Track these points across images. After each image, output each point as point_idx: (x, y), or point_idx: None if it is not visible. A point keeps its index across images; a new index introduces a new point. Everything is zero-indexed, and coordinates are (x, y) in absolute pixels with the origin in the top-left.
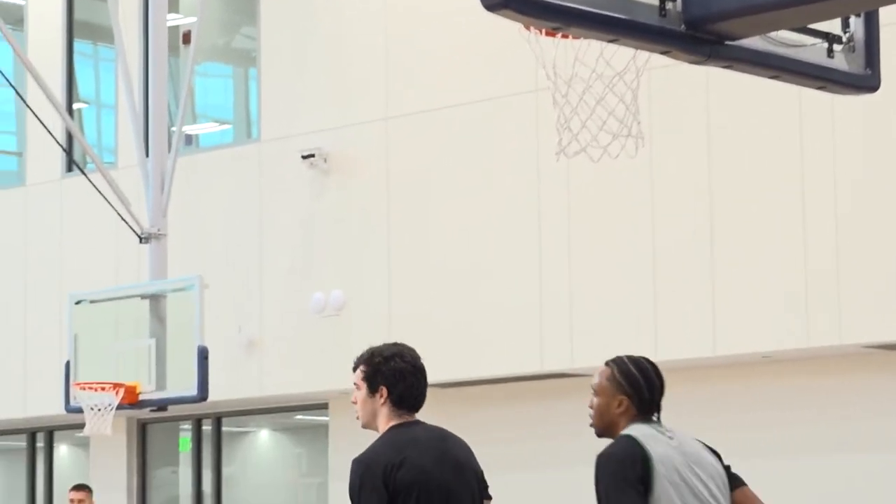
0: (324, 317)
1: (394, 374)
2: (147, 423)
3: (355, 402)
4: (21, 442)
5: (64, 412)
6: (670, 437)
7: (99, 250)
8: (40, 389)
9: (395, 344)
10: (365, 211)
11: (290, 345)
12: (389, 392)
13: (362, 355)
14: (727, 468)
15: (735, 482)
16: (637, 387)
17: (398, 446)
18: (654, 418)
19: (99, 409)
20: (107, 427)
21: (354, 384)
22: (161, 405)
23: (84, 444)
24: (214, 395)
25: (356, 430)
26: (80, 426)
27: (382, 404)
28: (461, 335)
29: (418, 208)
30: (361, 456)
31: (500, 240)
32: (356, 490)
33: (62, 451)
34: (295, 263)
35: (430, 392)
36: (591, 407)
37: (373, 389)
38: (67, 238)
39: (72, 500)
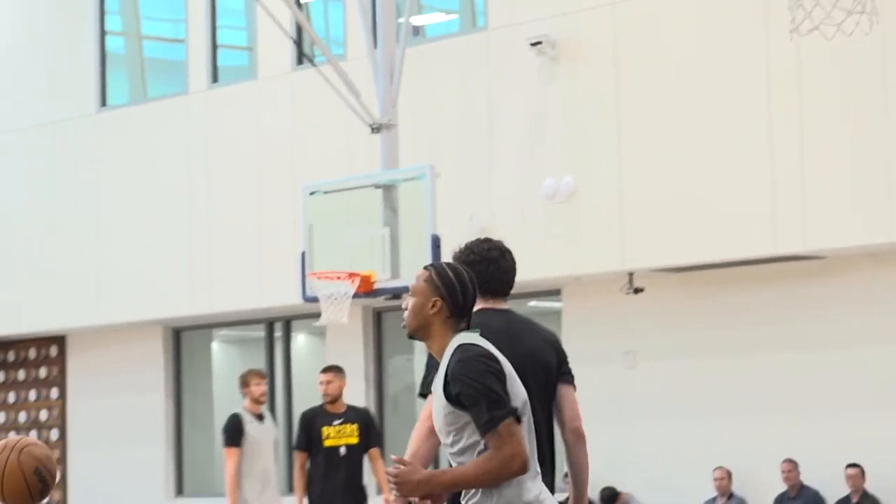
0: (554, 203)
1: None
2: (382, 311)
3: None
4: (259, 332)
5: (301, 302)
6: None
7: (330, 141)
8: (277, 280)
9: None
10: (594, 96)
11: (522, 232)
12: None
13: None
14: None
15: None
16: (452, 291)
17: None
18: (465, 325)
19: (335, 298)
20: (343, 316)
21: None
22: (395, 293)
23: (321, 332)
24: None
25: (589, 315)
26: (317, 315)
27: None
28: (691, 219)
29: (647, 92)
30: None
31: (730, 122)
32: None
33: (299, 340)
34: (525, 150)
35: (663, 275)
36: (405, 308)
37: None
38: (299, 130)
39: (321, 382)
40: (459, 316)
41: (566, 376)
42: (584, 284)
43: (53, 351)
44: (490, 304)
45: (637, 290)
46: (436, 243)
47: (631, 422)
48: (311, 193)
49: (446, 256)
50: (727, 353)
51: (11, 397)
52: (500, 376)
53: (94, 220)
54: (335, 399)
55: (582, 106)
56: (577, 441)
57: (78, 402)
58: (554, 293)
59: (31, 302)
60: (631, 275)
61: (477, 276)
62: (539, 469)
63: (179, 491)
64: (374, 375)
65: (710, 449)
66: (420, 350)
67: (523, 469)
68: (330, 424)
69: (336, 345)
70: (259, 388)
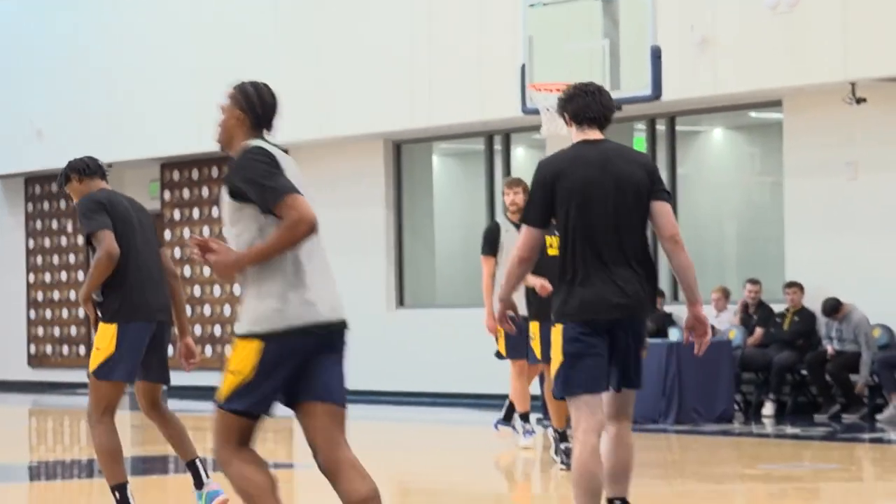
0: (777, 12)
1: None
2: None
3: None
4: (479, 145)
5: (520, 114)
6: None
7: None
8: (497, 93)
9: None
10: None
11: (744, 42)
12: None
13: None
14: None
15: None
16: (251, 104)
17: (568, 157)
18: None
19: (555, 111)
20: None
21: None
22: (616, 105)
23: (540, 145)
24: (668, 94)
25: (811, 127)
26: (536, 128)
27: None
28: None
29: None
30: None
31: None
32: (531, 185)
33: (519, 152)
34: None
35: (886, 84)
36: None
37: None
38: None
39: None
40: (259, 127)
41: (660, 193)
42: (806, 95)
43: None
44: (587, 136)
45: (859, 101)
46: (656, 54)
47: (852, 233)
48: (531, 5)
49: (667, 68)
50: None
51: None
52: (274, 166)
53: (314, 35)
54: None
55: None
56: (675, 248)
57: None
58: (775, 104)
59: None
60: (853, 84)
61: (575, 107)
62: None
63: (400, 302)
64: None
65: None
66: None
67: (311, 230)
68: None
69: None
70: (507, 197)
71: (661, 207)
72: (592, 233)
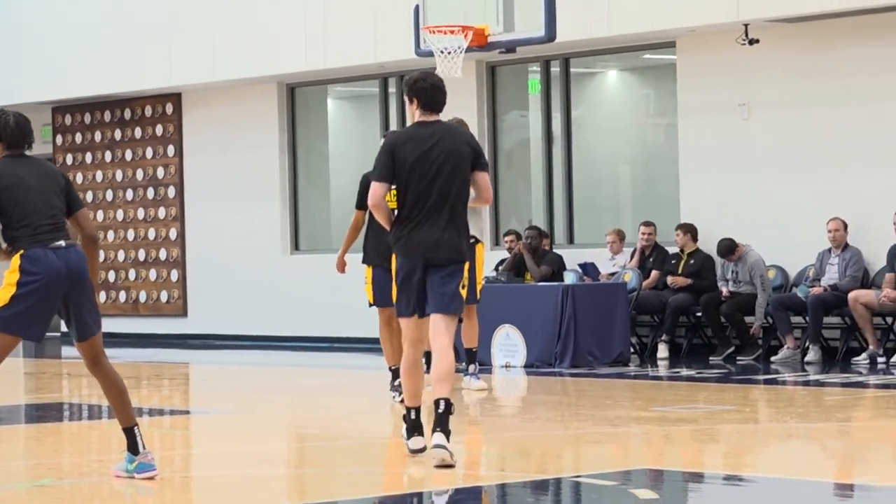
0: None
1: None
2: (496, 65)
3: None
4: (374, 88)
5: (414, 56)
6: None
7: None
8: (391, 35)
9: (423, 71)
10: None
11: None
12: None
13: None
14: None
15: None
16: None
17: (408, 132)
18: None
19: (449, 53)
20: (457, 70)
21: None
22: (509, 47)
23: None
24: (562, 35)
25: (704, 67)
26: (431, 70)
27: (414, 109)
28: None
29: None
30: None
31: None
32: (377, 156)
33: None
34: None
35: (778, 25)
36: None
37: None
38: None
39: None
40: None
41: (481, 165)
42: (699, 36)
43: (169, 108)
44: (424, 118)
45: (752, 42)
46: None
47: (746, 173)
48: None
49: (561, 10)
50: (843, 103)
51: (129, 155)
52: None
53: None
54: None
55: None
56: (484, 205)
57: (194, 159)
58: (669, 45)
59: (148, 60)
60: (746, 25)
61: (424, 98)
62: None
63: (295, 247)
64: (489, 130)
65: (824, 200)
66: (535, 106)
67: None
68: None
69: (450, 100)
70: None
71: (480, 176)
72: (418, 192)
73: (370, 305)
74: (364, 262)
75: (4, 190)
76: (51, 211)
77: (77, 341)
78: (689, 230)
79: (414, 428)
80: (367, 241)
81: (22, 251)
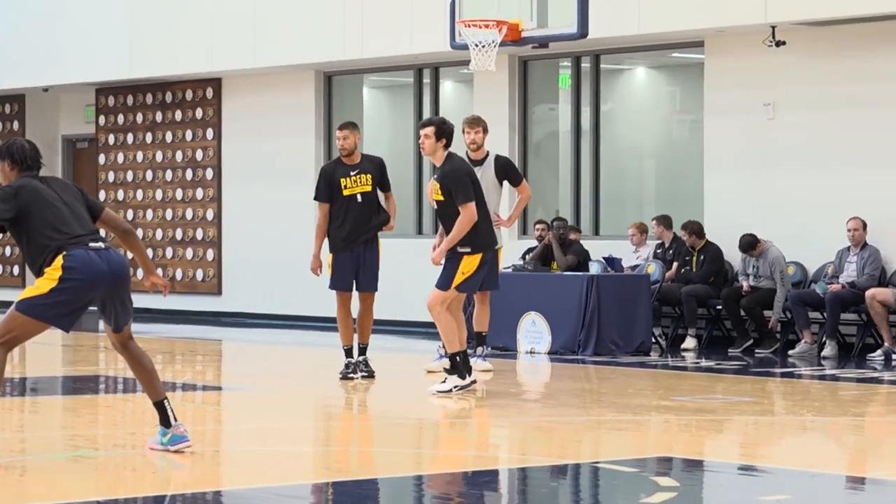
0: None
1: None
2: (528, 60)
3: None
4: (409, 78)
5: (449, 49)
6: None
7: None
8: (426, 27)
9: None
10: None
11: None
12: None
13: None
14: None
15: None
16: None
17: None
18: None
19: (483, 46)
20: (490, 63)
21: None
22: (542, 42)
23: (468, 80)
24: (594, 32)
25: (731, 68)
26: (465, 63)
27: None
28: None
29: None
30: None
31: None
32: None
33: (447, 86)
34: None
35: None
36: None
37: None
38: None
39: (338, 138)
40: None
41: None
42: (727, 37)
43: (210, 93)
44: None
45: (779, 44)
46: None
47: (769, 171)
48: None
49: (594, 7)
50: (865, 106)
51: (169, 136)
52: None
53: None
54: (350, 152)
55: None
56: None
57: (232, 142)
58: (697, 45)
59: (189, 44)
60: (773, 28)
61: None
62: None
63: None
64: (519, 123)
65: (845, 200)
66: (565, 100)
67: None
68: (347, 176)
69: (482, 92)
70: (467, 136)
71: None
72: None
73: (329, 288)
74: (330, 250)
75: (31, 203)
76: (81, 219)
77: (112, 331)
78: (694, 228)
79: (464, 365)
80: (331, 231)
81: (64, 252)
